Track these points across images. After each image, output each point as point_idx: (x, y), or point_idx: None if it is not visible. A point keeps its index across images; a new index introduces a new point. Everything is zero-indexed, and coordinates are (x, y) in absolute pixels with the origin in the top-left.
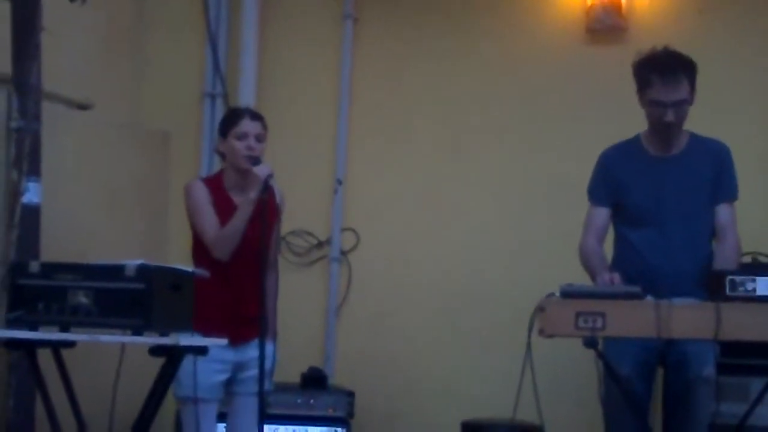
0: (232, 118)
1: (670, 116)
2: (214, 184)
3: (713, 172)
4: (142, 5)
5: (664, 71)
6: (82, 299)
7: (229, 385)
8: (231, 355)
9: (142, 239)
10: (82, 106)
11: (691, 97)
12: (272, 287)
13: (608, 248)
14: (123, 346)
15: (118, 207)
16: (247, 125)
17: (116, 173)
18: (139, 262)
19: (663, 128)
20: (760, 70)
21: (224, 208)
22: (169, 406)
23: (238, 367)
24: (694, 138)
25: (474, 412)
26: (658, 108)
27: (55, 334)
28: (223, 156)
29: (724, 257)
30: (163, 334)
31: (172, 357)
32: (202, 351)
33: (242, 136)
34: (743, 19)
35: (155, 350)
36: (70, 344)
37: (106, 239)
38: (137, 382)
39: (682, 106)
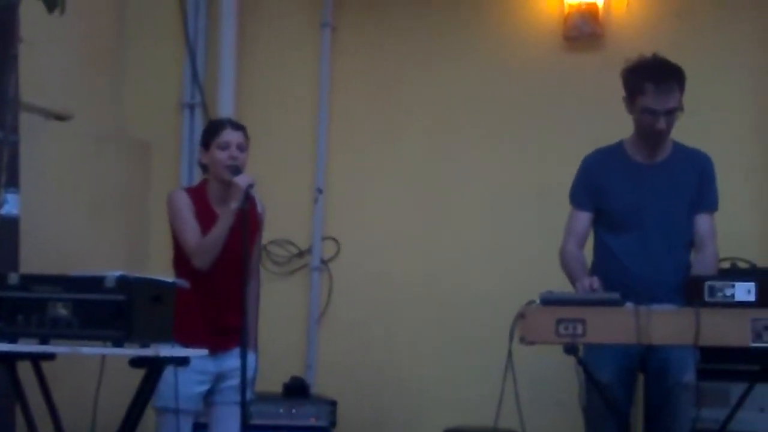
0: (213, 128)
1: (662, 124)
2: (197, 194)
3: (695, 182)
4: (122, 16)
5: (658, 79)
6: (62, 311)
7: (209, 395)
8: (211, 366)
9: (123, 250)
10: (62, 117)
11: (682, 105)
12: (253, 297)
13: (588, 253)
14: (103, 357)
15: (98, 217)
16: (228, 135)
17: (96, 184)
18: (119, 273)
19: (653, 136)
20: (738, 74)
21: (206, 219)
22: (150, 417)
23: (219, 378)
24: (678, 147)
25: (456, 420)
26: (650, 116)
27: (34, 347)
28: (205, 168)
29: (702, 267)
30: (144, 346)
31: (153, 368)
32: (183, 362)
33: (224, 146)
34: (720, 23)
35: (136, 362)
36: (50, 356)
37: (87, 250)
38: (118, 393)
39: (673, 113)
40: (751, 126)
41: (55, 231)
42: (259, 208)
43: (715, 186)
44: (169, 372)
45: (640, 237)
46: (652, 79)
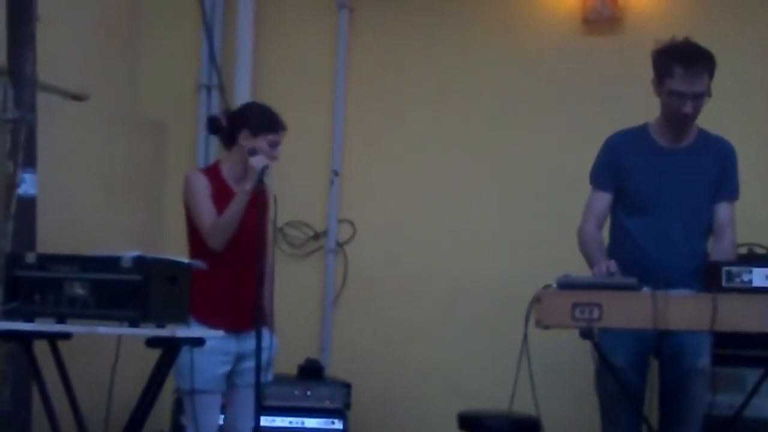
0: (272, 123)
1: (688, 108)
2: (213, 174)
3: (718, 170)
4: None
5: (687, 62)
6: (79, 291)
7: (230, 376)
8: (233, 346)
9: (138, 230)
10: (78, 97)
11: (710, 91)
12: (267, 279)
13: (606, 236)
14: (119, 337)
15: (114, 198)
16: (281, 136)
17: (112, 164)
18: (135, 253)
19: (679, 119)
20: (758, 58)
21: (224, 198)
22: (165, 396)
23: (240, 358)
24: (702, 133)
25: (471, 404)
26: (677, 98)
27: (51, 326)
28: (233, 141)
29: (720, 254)
30: (160, 326)
31: (169, 348)
32: (198, 342)
33: (274, 145)
34: (740, 7)
35: (152, 342)
36: (67, 336)
37: (103, 230)
38: (134, 373)
39: (701, 98)
40: None
41: (72, 211)
42: (273, 190)
43: (737, 175)
44: (192, 353)
45: (659, 221)
46: (682, 61)
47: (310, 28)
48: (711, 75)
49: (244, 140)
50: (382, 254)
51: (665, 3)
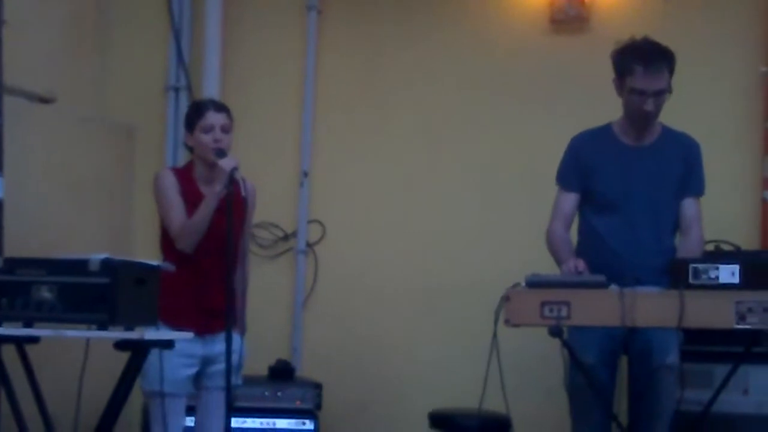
0: (196, 111)
1: (650, 105)
2: (184, 175)
3: (683, 167)
4: None
5: (647, 60)
6: (46, 294)
7: (198, 379)
8: (199, 349)
9: (107, 233)
10: (45, 100)
11: (670, 87)
12: (241, 281)
13: (574, 235)
14: (88, 341)
15: (82, 201)
16: (212, 117)
17: (80, 167)
18: (103, 256)
19: (641, 117)
20: (724, 58)
21: (193, 200)
22: (135, 400)
23: (207, 361)
24: (666, 130)
25: (441, 403)
26: (638, 97)
27: (19, 330)
28: (190, 149)
29: (687, 250)
30: (128, 329)
31: (138, 351)
32: (167, 345)
33: (208, 129)
34: (706, 7)
35: (120, 345)
36: (35, 340)
37: (72, 233)
38: (103, 377)
39: (662, 95)
40: (735, 109)
41: (39, 214)
42: (243, 191)
43: (702, 171)
44: (156, 355)
45: (626, 219)
46: (642, 60)
47: (279, 29)
48: (671, 72)
49: (188, 141)
50: (353, 255)
51: (632, 3)
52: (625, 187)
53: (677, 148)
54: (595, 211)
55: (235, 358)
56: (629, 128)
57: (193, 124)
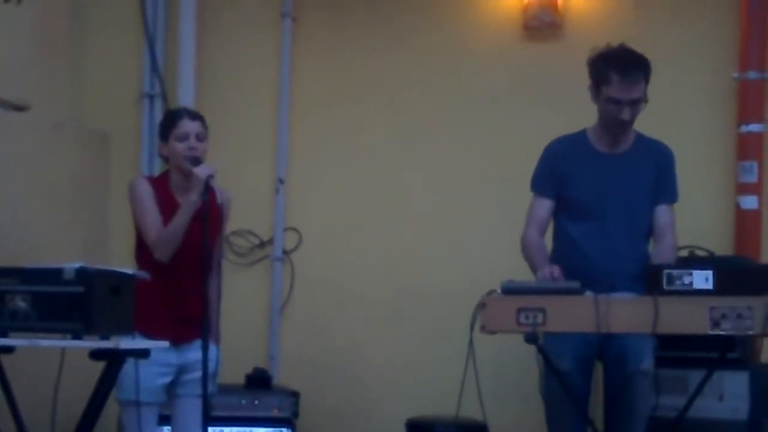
0: (171, 119)
1: (626, 114)
2: (160, 184)
3: (656, 174)
4: (79, 5)
5: (624, 70)
6: (21, 304)
7: (172, 387)
8: (174, 358)
9: (82, 241)
10: (19, 108)
11: (646, 97)
12: (215, 290)
13: (548, 241)
14: (63, 350)
15: (57, 208)
16: (186, 125)
17: (55, 174)
18: (77, 265)
19: (617, 125)
20: (696, 64)
21: (169, 209)
22: (111, 410)
23: (181, 370)
24: (640, 137)
25: (418, 410)
26: (614, 106)
27: None
28: (166, 159)
29: (660, 256)
30: (104, 338)
31: (113, 360)
32: (143, 354)
33: (183, 137)
34: (679, 12)
35: (96, 354)
36: (9, 350)
37: (46, 241)
38: (78, 386)
39: (638, 104)
40: (708, 115)
41: (13, 222)
42: (219, 199)
43: (675, 178)
44: (130, 364)
45: (600, 226)
46: (618, 69)
47: (254, 36)
48: (647, 80)
49: (162, 150)
50: (329, 262)
51: (605, 10)
52: (599, 193)
53: (651, 155)
54: (570, 218)
55: (210, 366)
56: (604, 135)
57: (167, 133)
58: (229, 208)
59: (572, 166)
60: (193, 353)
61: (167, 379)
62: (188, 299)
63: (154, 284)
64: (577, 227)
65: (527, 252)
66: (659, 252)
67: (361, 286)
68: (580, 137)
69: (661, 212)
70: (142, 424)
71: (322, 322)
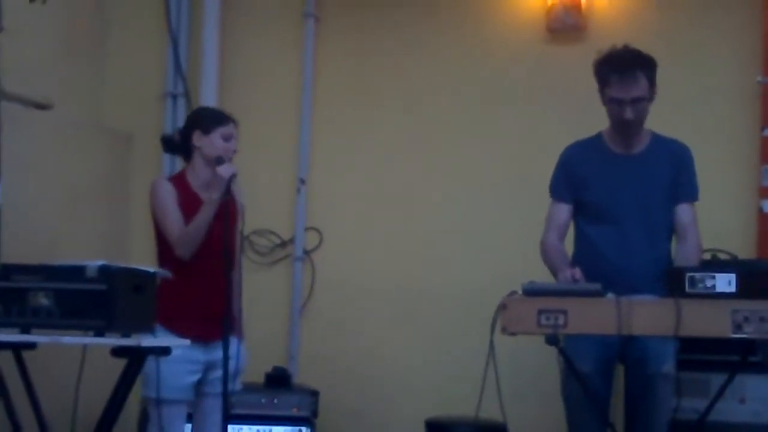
0: (220, 118)
1: (629, 113)
2: (179, 182)
3: (673, 173)
4: (103, 5)
5: (621, 69)
6: (43, 301)
7: (199, 385)
8: (201, 355)
9: (104, 239)
10: (43, 106)
11: (651, 94)
12: (236, 287)
13: (569, 245)
14: (84, 347)
15: (80, 207)
16: (232, 129)
17: (78, 173)
18: (100, 262)
19: (623, 125)
20: (720, 67)
21: (191, 206)
22: (131, 407)
23: (209, 367)
24: (656, 138)
25: (438, 411)
26: (617, 105)
27: (15, 336)
28: (191, 148)
29: (685, 256)
30: (125, 335)
31: (135, 358)
32: (164, 352)
33: (228, 137)
34: (703, 14)
35: (117, 351)
36: (31, 346)
37: (69, 240)
38: (99, 383)
39: (640, 103)
40: (732, 118)
41: (36, 220)
42: (239, 199)
43: (695, 176)
44: (161, 362)
45: (619, 228)
46: (616, 68)
47: (277, 37)
48: (649, 78)
49: (198, 140)
50: (349, 262)
51: (629, 12)
52: (616, 195)
53: (667, 155)
54: (589, 221)
55: (233, 363)
56: (616, 137)
57: (212, 128)
58: (243, 214)
59: (588, 170)
60: (220, 351)
61: (196, 377)
62: (213, 296)
63: (179, 282)
64: (595, 230)
65: (547, 256)
66: (684, 252)
67: (381, 286)
68: (595, 140)
69: (682, 211)
70: (170, 423)
71: (343, 322)
